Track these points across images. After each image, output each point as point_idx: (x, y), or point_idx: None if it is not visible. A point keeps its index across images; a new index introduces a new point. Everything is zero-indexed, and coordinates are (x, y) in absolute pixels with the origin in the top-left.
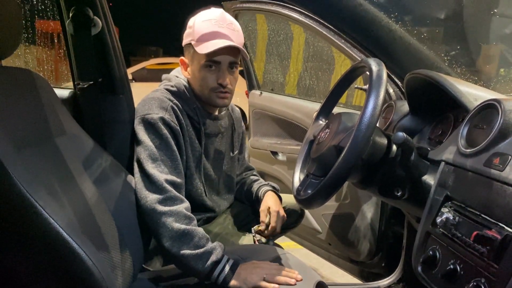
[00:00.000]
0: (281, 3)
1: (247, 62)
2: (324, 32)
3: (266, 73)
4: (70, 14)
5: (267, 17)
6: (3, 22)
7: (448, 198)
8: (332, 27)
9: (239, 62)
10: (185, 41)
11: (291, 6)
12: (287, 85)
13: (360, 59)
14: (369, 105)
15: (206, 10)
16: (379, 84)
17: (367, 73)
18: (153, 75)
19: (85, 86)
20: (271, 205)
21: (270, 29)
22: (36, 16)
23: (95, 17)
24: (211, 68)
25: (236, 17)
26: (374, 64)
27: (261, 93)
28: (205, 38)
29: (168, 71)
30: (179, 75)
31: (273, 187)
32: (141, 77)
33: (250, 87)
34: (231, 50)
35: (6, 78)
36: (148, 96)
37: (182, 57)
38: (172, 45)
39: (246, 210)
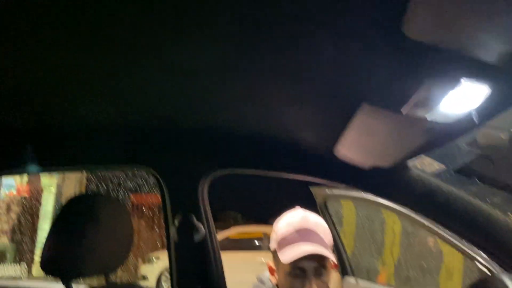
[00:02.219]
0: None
1: (339, 248)
2: (425, 223)
3: (356, 258)
4: (175, 221)
5: (354, 202)
6: (117, 240)
7: None
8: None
9: (327, 266)
10: (271, 245)
11: None
12: (381, 273)
13: (472, 253)
14: None
15: (288, 213)
16: None
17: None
18: (236, 245)
19: None
20: None
21: (359, 215)
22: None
23: (199, 224)
24: (296, 276)
25: (325, 204)
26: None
27: (357, 281)
28: (286, 244)
29: (249, 241)
30: (272, 278)
31: None
32: (223, 246)
33: (344, 273)
34: (316, 255)
35: None
36: None
37: (268, 262)
38: (251, 210)
39: None
